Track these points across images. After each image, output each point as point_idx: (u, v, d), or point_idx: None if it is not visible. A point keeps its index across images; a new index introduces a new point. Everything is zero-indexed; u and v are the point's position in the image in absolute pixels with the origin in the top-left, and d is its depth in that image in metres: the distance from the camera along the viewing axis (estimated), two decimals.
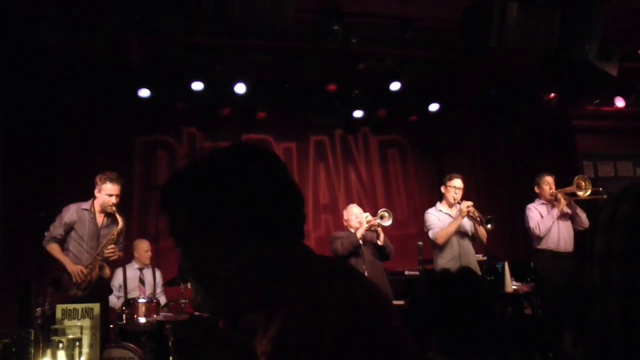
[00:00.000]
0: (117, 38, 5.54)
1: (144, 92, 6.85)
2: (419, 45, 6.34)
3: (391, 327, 1.06)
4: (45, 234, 5.10)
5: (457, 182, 5.93)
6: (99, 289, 5.14)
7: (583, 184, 6.30)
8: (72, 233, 5.11)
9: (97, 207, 5.19)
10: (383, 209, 5.88)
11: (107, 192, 5.11)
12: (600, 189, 6.40)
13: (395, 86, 7.19)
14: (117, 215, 5.15)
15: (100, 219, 5.20)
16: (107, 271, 5.16)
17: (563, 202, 6.18)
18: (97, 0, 4.94)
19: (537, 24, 4.99)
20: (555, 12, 5.04)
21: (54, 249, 5.07)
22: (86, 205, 5.19)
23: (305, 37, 5.72)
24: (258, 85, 7.19)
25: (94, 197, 5.20)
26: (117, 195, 5.15)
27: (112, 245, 5.13)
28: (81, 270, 4.99)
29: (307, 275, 1.09)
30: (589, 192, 6.25)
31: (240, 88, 6.95)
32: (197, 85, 6.83)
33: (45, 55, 5.01)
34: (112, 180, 5.12)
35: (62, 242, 5.12)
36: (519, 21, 4.92)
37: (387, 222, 5.78)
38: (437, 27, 6.06)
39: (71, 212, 5.12)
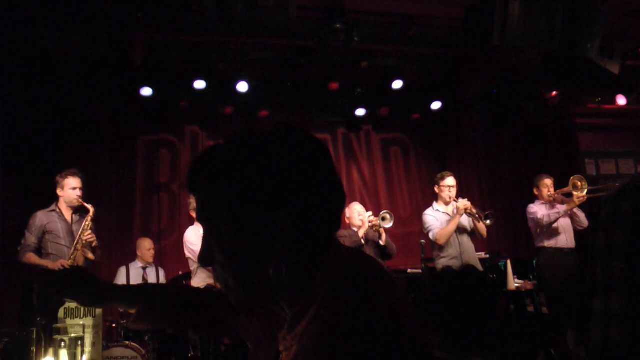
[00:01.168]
0: (119, 36, 5.55)
1: (146, 91, 6.84)
2: (421, 43, 6.35)
3: (426, 339, 1.00)
4: (18, 248, 5.11)
5: (450, 181, 5.89)
6: None
7: (579, 184, 6.30)
8: (47, 236, 5.13)
9: (62, 206, 5.26)
10: (385, 211, 5.90)
11: (70, 187, 5.22)
12: (594, 187, 6.41)
13: (397, 84, 7.20)
14: (85, 205, 5.23)
15: (68, 216, 5.27)
16: (91, 255, 5.24)
17: (575, 202, 6.13)
18: None
19: (539, 21, 4.98)
20: (557, 10, 5.04)
21: (30, 257, 5.06)
22: (51, 207, 5.26)
23: (307, 35, 5.71)
24: (260, 84, 7.19)
25: (57, 199, 5.27)
26: (80, 188, 5.25)
27: (89, 232, 5.19)
28: (63, 264, 4.98)
29: (345, 277, 1.00)
30: (585, 192, 6.23)
31: (242, 86, 6.94)
32: (200, 84, 6.84)
33: (47, 54, 5.01)
34: (73, 175, 5.25)
35: (38, 251, 5.11)
36: (520, 19, 4.91)
37: (388, 225, 5.80)
38: (439, 25, 6.06)
39: (39, 217, 5.16)
